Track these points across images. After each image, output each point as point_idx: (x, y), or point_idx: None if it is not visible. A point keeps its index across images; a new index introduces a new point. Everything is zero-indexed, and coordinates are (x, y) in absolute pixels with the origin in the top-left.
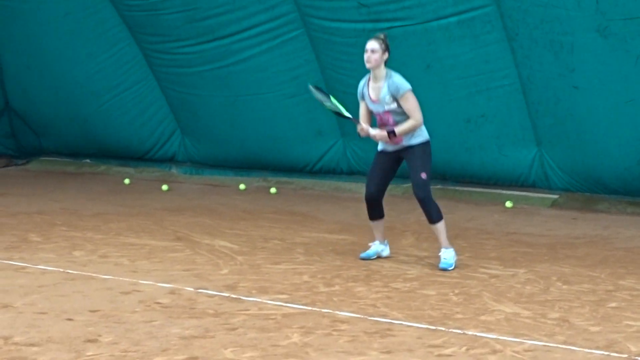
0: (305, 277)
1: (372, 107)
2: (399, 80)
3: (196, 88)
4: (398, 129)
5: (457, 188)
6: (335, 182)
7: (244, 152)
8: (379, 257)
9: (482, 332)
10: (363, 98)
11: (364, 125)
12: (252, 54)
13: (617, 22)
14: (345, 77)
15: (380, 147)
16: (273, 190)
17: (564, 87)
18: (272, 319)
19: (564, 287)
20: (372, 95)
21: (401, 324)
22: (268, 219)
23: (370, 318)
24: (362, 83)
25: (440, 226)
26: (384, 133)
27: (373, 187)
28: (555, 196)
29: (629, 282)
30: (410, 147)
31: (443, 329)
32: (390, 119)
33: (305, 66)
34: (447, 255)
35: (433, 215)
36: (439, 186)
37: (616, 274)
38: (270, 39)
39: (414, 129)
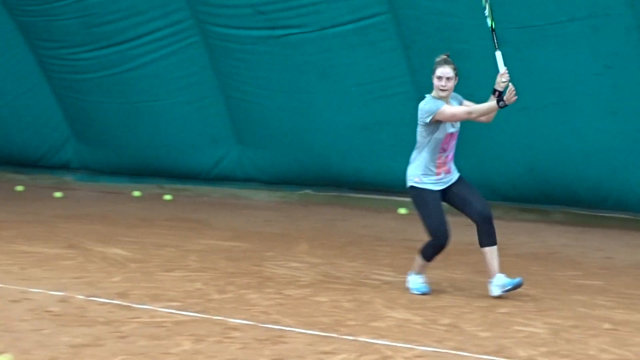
0: (198, 285)
1: (449, 129)
2: (455, 94)
3: (91, 94)
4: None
5: (352, 195)
6: (230, 189)
7: (139, 159)
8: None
9: (374, 338)
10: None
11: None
12: (148, 60)
13: (512, 31)
14: (241, 84)
15: (427, 186)
16: (168, 197)
17: (460, 94)
18: (164, 326)
19: (456, 293)
20: None
21: (293, 330)
22: (162, 226)
23: (262, 325)
24: (435, 98)
25: (496, 250)
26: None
27: (448, 231)
28: None
29: (519, 288)
30: (456, 181)
31: (335, 335)
32: (452, 142)
33: (202, 73)
34: (501, 281)
35: (494, 238)
36: (333, 193)
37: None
38: (166, 45)
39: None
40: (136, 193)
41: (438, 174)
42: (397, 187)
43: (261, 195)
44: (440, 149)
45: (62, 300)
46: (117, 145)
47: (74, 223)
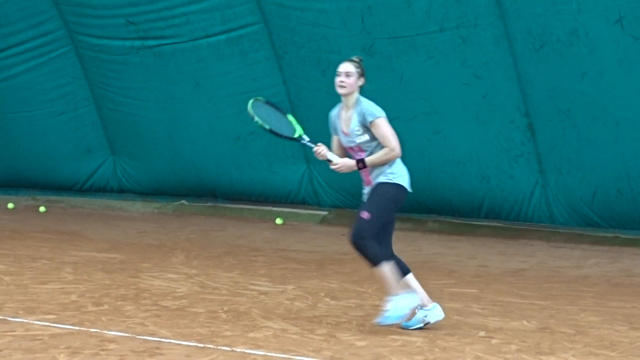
0: (74, 297)
1: (344, 142)
2: (367, 105)
3: None
4: (369, 159)
5: (228, 205)
6: (105, 200)
7: (13, 171)
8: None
9: (251, 348)
10: (336, 132)
11: (319, 147)
12: (19, 71)
13: (382, 41)
14: (114, 95)
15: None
16: (42, 209)
17: (332, 105)
18: (39, 339)
19: (332, 302)
20: (344, 127)
21: (170, 342)
22: (36, 238)
23: (138, 337)
24: (333, 114)
25: (380, 272)
26: (351, 162)
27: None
28: (325, 213)
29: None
30: (379, 184)
31: (212, 346)
32: (363, 155)
33: (74, 83)
34: (393, 305)
35: (369, 260)
36: (209, 203)
37: (383, 289)
38: (37, 56)
39: (389, 160)
40: (10, 205)
41: (364, 182)
42: (272, 197)
43: (136, 207)
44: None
45: None
46: None
47: None
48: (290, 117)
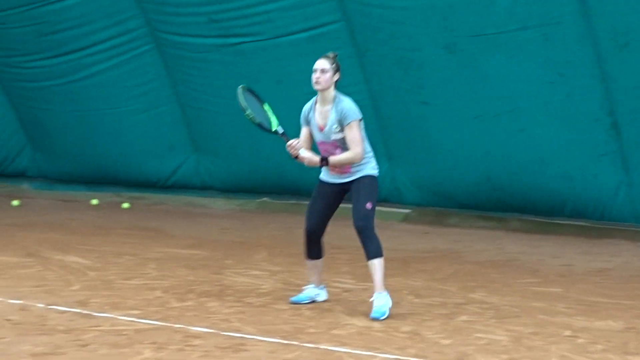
0: (158, 293)
1: (318, 137)
2: (348, 105)
3: (46, 103)
4: (332, 158)
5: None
6: (188, 197)
7: (96, 167)
8: (312, 302)
9: (335, 346)
10: (308, 123)
11: (294, 141)
12: (102, 68)
13: (465, 39)
14: (196, 92)
15: (323, 176)
16: (125, 205)
17: (414, 103)
18: (124, 334)
19: (416, 300)
20: (320, 121)
21: (254, 338)
22: (120, 234)
23: (223, 333)
24: (307, 106)
25: (377, 263)
26: (316, 159)
27: (313, 220)
28: (407, 211)
29: (479, 295)
30: (358, 178)
31: (296, 343)
32: (338, 151)
33: (156, 81)
34: (380, 302)
35: (371, 251)
36: (291, 201)
37: (466, 288)
38: (120, 53)
39: (351, 163)
40: (94, 201)
41: (331, 171)
42: None
43: (219, 204)
44: (319, 150)
45: (22, 308)
46: (74, 153)
47: (32, 231)
48: (267, 107)
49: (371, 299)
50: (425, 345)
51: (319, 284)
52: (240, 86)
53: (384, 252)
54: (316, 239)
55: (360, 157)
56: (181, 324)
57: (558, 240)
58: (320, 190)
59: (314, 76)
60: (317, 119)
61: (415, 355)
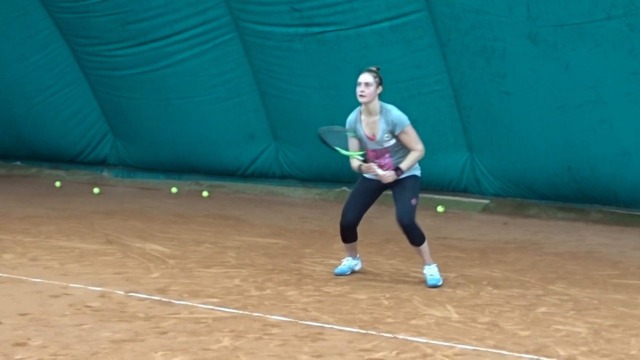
0: (237, 281)
1: (369, 145)
2: (397, 114)
3: (128, 91)
4: (404, 165)
5: (389, 193)
6: (267, 186)
7: (176, 156)
8: (352, 271)
9: (413, 336)
10: (355, 135)
11: (372, 165)
12: (185, 57)
13: (548, 29)
14: (278, 81)
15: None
16: (205, 193)
17: (495, 93)
18: (203, 322)
19: (494, 291)
20: (367, 132)
21: (332, 327)
22: (200, 222)
23: (301, 322)
24: (352, 118)
25: (423, 247)
26: (391, 173)
27: (351, 216)
28: (487, 201)
29: (558, 287)
30: (401, 179)
31: (374, 333)
32: (387, 154)
33: (237, 70)
34: (433, 271)
35: (416, 241)
36: None
37: (546, 279)
38: (202, 42)
39: (418, 160)
40: (173, 189)
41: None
42: (433, 184)
43: (298, 193)
44: (370, 158)
45: (102, 295)
46: (154, 141)
47: (112, 219)
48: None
49: (424, 272)
50: (504, 336)
51: (355, 256)
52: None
53: (462, 243)
54: (352, 231)
55: (423, 153)
56: (259, 313)
57: (639, 233)
58: (361, 186)
59: (359, 89)
60: (365, 130)
61: (493, 347)
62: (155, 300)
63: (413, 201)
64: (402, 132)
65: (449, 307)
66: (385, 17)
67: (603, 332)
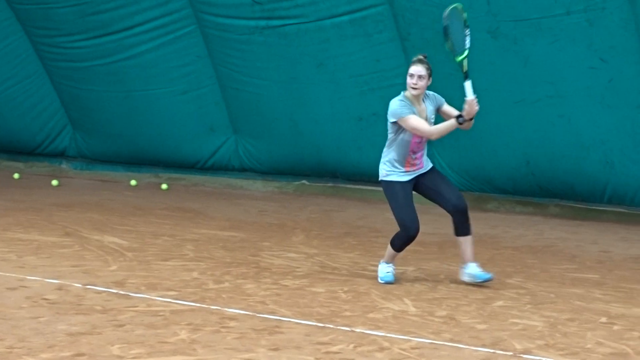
0: (195, 274)
1: (409, 134)
2: (433, 93)
3: (88, 83)
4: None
5: (348, 186)
6: (226, 178)
7: (136, 148)
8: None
9: (370, 329)
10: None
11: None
12: (145, 49)
13: (508, 24)
14: (238, 74)
15: (397, 177)
16: (164, 186)
17: (455, 87)
18: (161, 315)
19: (452, 285)
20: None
21: (290, 321)
22: (159, 215)
23: (259, 315)
24: (407, 101)
25: (472, 238)
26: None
27: (416, 220)
28: None
29: (515, 281)
30: (428, 171)
31: (331, 326)
32: (422, 145)
33: (198, 62)
34: (479, 269)
35: (470, 228)
36: (330, 184)
37: (503, 273)
38: (162, 34)
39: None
40: (132, 182)
41: (407, 169)
42: None
43: (257, 186)
44: (409, 150)
45: (59, 288)
46: (114, 134)
47: (71, 211)
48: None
49: (468, 270)
50: (461, 330)
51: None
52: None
53: (421, 236)
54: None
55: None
56: (217, 306)
57: (597, 227)
58: (403, 191)
59: (411, 81)
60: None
61: (450, 340)
62: (113, 293)
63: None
64: (445, 104)
65: (406, 300)
66: (346, 11)
67: (559, 325)
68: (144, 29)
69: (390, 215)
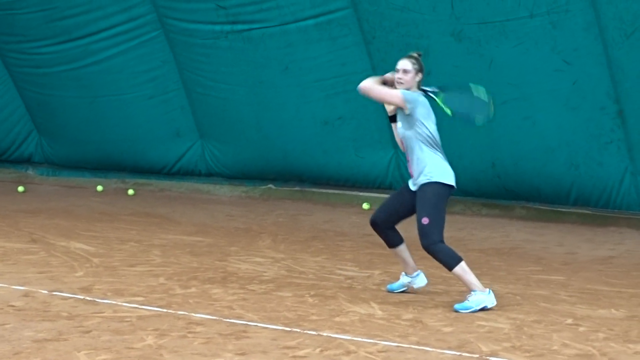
0: (162, 279)
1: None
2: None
3: (53, 89)
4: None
5: (315, 190)
6: (193, 183)
7: (102, 153)
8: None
9: (337, 333)
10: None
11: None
12: (110, 54)
13: (472, 27)
14: (203, 79)
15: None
16: (131, 191)
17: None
18: (127, 321)
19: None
20: None
21: (256, 325)
22: (125, 220)
23: (225, 320)
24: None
25: (458, 271)
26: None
27: (378, 212)
28: None
29: (482, 283)
30: (422, 186)
31: (298, 330)
32: (407, 144)
33: (163, 67)
34: (473, 298)
35: (445, 265)
36: (296, 188)
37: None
38: (127, 39)
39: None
40: (99, 187)
41: (410, 173)
42: (359, 182)
43: (224, 190)
44: (404, 147)
45: (25, 294)
46: (80, 139)
47: (37, 217)
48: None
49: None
50: (427, 332)
51: (412, 271)
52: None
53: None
54: (380, 229)
55: (362, 87)
56: (184, 311)
57: (562, 228)
58: (398, 191)
59: (396, 76)
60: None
61: (416, 343)
62: (79, 299)
63: (424, 220)
64: None
65: (373, 304)
66: (311, 15)
67: (525, 327)
68: (109, 34)
69: (356, 218)
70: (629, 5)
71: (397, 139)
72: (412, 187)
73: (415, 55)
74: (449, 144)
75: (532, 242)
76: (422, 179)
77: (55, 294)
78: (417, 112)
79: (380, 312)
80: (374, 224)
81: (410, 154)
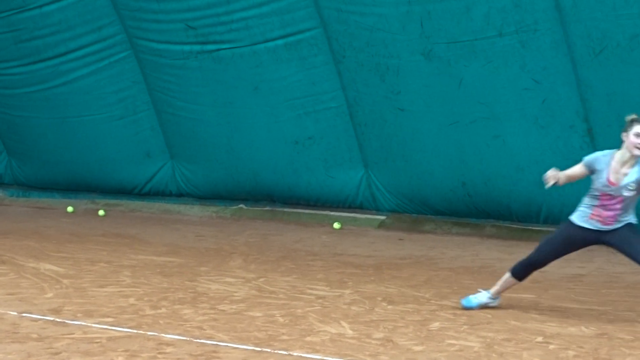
0: (132, 300)
1: (605, 189)
2: None
3: (23, 109)
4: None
5: (285, 209)
6: (164, 204)
7: (72, 174)
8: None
9: (308, 352)
10: (593, 172)
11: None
12: (80, 75)
13: (441, 46)
14: (173, 99)
15: (578, 220)
16: (101, 212)
17: (390, 109)
18: (97, 342)
19: (389, 307)
20: (612, 178)
21: (227, 345)
22: (95, 241)
23: (196, 340)
24: (603, 158)
25: None
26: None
27: (544, 256)
28: (383, 217)
29: (452, 302)
30: (621, 227)
31: (269, 350)
32: (619, 206)
33: (133, 88)
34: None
35: None
36: (267, 208)
37: (440, 294)
38: (97, 60)
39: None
40: (69, 208)
41: (591, 217)
42: (329, 201)
43: (194, 210)
44: (598, 202)
45: None
46: (50, 160)
47: (6, 239)
48: None
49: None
50: (398, 351)
51: (496, 296)
52: None
53: (358, 259)
54: (535, 269)
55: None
56: (154, 332)
57: (532, 247)
58: (569, 233)
59: (636, 141)
60: (610, 175)
61: None
62: (49, 320)
63: None
64: None
65: (343, 323)
66: (280, 35)
67: (495, 345)
68: (79, 55)
69: (327, 238)
70: (597, 24)
71: (608, 196)
72: (592, 226)
73: None
74: (419, 162)
75: (502, 260)
76: (629, 219)
77: (25, 316)
78: None
79: (350, 332)
80: (538, 266)
81: (616, 204)
